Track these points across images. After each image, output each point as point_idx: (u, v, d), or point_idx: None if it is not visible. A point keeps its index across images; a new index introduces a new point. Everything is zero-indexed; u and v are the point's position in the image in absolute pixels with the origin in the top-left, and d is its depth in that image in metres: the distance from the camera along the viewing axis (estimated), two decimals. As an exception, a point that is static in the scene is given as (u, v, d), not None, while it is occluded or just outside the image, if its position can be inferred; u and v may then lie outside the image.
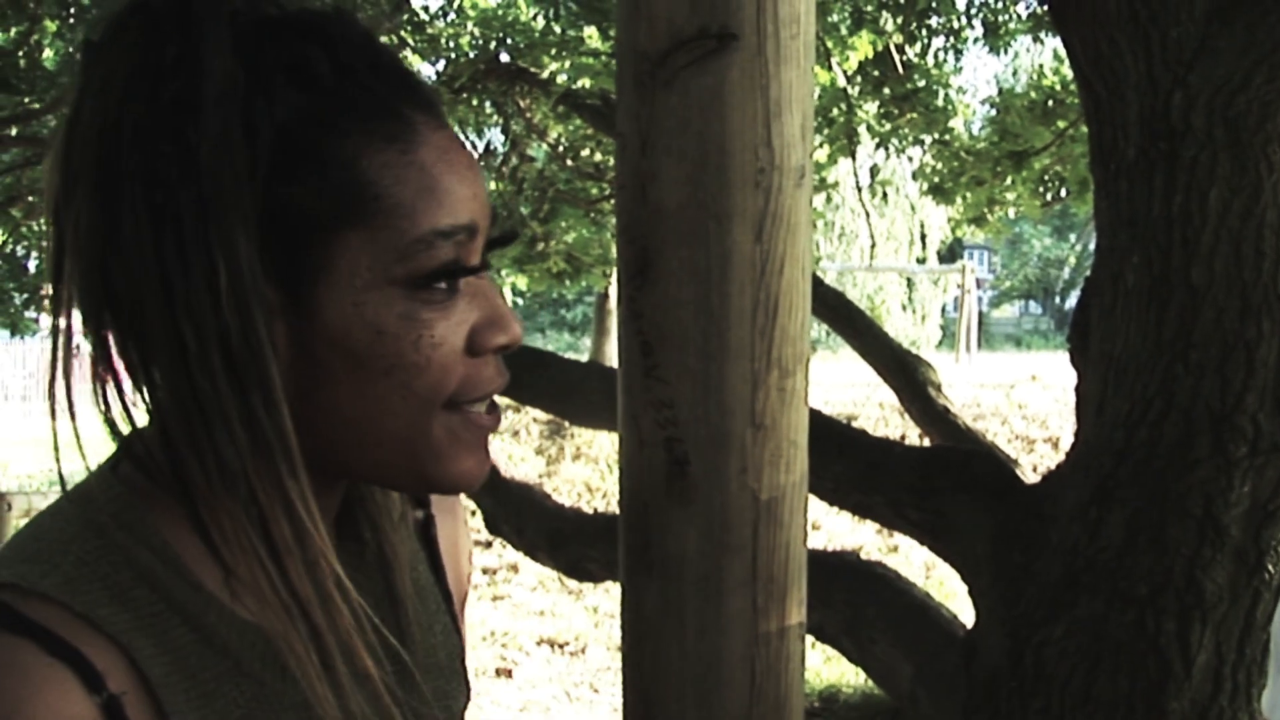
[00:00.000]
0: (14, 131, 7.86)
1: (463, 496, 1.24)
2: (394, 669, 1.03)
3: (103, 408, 0.89)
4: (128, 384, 0.90)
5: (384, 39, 8.01)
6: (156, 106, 0.84)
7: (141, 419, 0.92)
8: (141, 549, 0.89)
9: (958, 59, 8.99)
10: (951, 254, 38.29)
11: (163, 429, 0.88)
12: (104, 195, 0.85)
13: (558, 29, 8.11)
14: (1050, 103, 8.66)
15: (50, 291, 0.90)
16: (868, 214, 12.91)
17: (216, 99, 0.84)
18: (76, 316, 0.90)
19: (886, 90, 8.76)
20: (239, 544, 0.87)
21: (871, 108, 9.03)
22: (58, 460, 0.91)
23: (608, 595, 9.44)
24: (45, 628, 0.84)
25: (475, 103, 9.36)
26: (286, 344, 0.89)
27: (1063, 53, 3.73)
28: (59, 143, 0.88)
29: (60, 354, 0.90)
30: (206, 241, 0.84)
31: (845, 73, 8.30)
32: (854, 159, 9.32)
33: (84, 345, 0.90)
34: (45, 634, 0.83)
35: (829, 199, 22.63)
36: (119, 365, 0.89)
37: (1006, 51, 8.93)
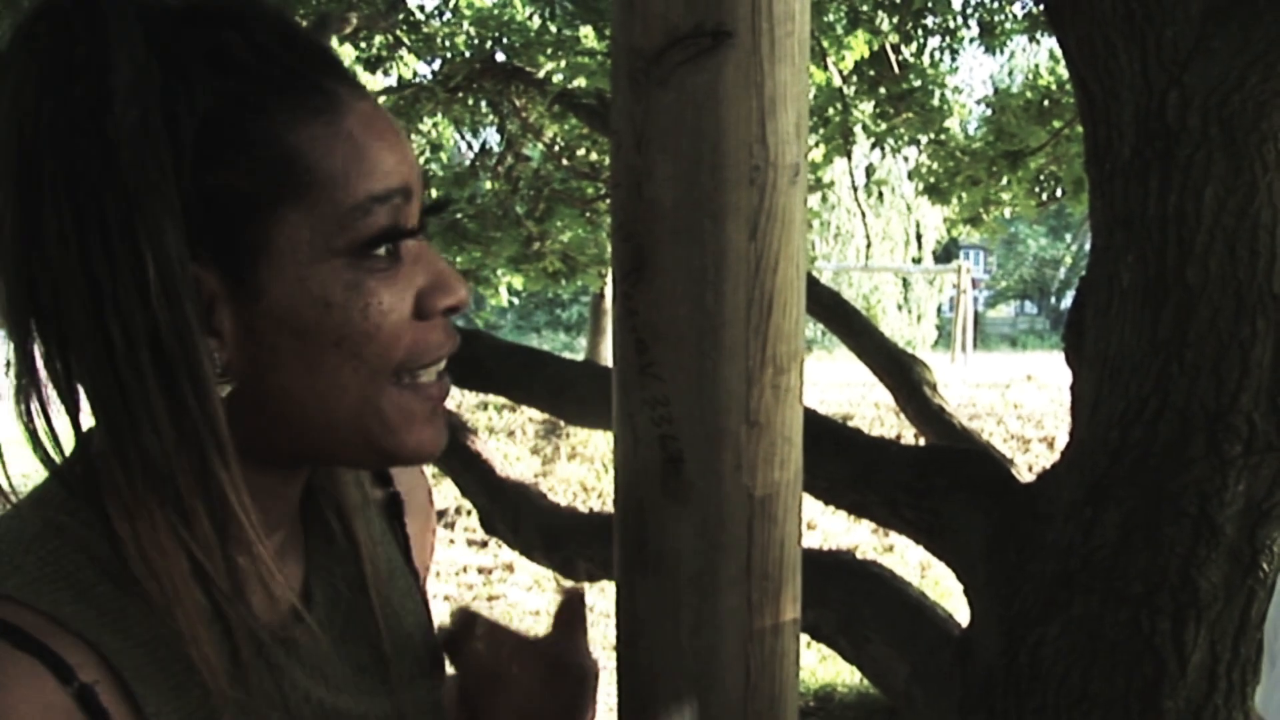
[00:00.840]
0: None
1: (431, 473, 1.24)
2: (367, 658, 1.04)
3: (25, 420, 0.89)
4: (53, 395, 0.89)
5: (379, 38, 8.03)
6: (71, 105, 0.84)
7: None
8: (103, 545, 0.88)
9: (953, 59, 9.00)
10: (947, 254, 38.32)
11: (82, 438, 0.89)
12: (24, 201, 0.85)
13: (553, 28, 8.12)
14: (1046, 102, 8.66)
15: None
16: (863, 214, 12.96)
17: (131, 92, 0.84)
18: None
19: (882, 90, 8.77)
20: (157, 547, 0.87)
21: (867, 107, 9.03)
22: (5, 473, 0.91)
23: (603, 595, 9.43)
24: (11, 624, 0.84)
25: (471, 102, 9.37)
26: (233, 328, 0.89)
27: (1058, 52, 3.74)
28: None
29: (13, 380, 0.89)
30: (133, 236, 0.83)
31: (841, 72, 8.30)
32: (849, 158, 9.33)
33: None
34: (12, 629, 0.83)
35: (825, 199, 22.65)
36: (43, 377, 0.88)
37: (1002, 51, 8.95)
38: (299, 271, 0.89)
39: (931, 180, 9.54)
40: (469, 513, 10.22)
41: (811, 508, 8.53)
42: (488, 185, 10.89)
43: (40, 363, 0.88)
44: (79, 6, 0.86)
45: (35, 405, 0.88)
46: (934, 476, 3.17)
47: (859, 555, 4.34)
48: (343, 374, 0.91)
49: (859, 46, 7.98)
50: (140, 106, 0.84)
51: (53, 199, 0.84)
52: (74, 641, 0.85)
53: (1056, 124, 8.44)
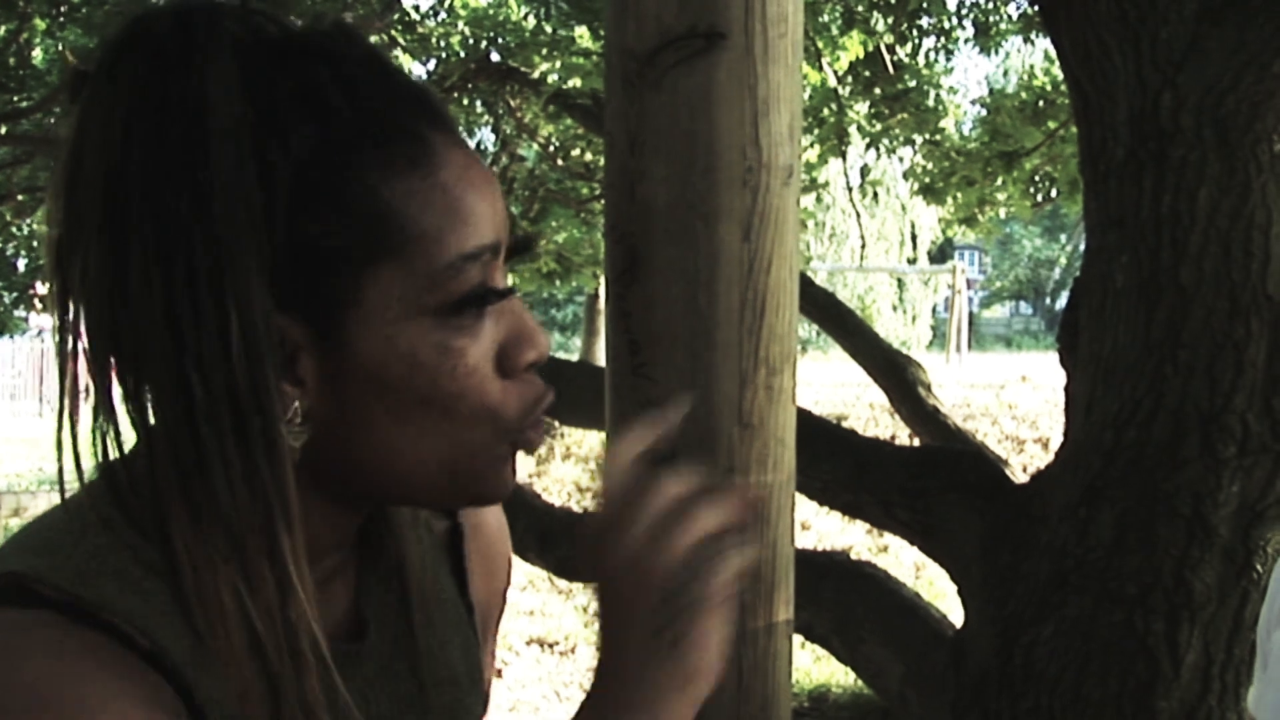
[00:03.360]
0: (3, 130, 7.84)
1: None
2: (409, 687, 1.02)
3: (100, 454, 0.87)
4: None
5: (374, 38, 8.02)
6: (163, 149, 0.81)
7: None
8: (151, 551, 0.86)
9: (948, 59, 9.00)
10: (942, 254, 38.34)
11: (154, 481, 0.85)
12: (111, 242, 0.82)
13: (548, 29, 8.12)
14: (1041, 103, 8.67)
15: (56, 328, 0.87)
16: (858, 214, 12.95)
17: (226, 137, 0.81)
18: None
19: (877, 90, 8.77)
20: (217, 603, 0.84)
21: (862, 108, 9.04)
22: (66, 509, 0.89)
23: (598, 595, 9.43)
24: (63, 600, 0.82)
25: (466, 102, 9.36)
26: (317, 379, 0.87)
27: (1053, 53, 3.74)
28: (60, 183, 0.85)
29: (69, 401, 0.86)
30: (219, 289, 0.81)
31: (836, 73, 8.31)
32: (844, 159, 9.33)
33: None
34: (64, 605, 0.82)
35: (819, 199, 22.64)
36: (120, 412, 0.86)
37: (997, 52, 8.95)
38: (387, 329, 0.87)
39: (926, 180, 9.54)
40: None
41: (806, 508, 8.54)
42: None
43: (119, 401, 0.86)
44: (171, 37, 0.83)
45: (112, 443, 0.87)
46: (928, 477, 3.17)
47: (853, 556, 4.34)
48: (432, 430, 0.90)
49: (854, 47, 7.98)
50: (235, 153, 0.81)
51: (139, 242, 0.81)
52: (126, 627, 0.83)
53: (1051, 124, 8.44)
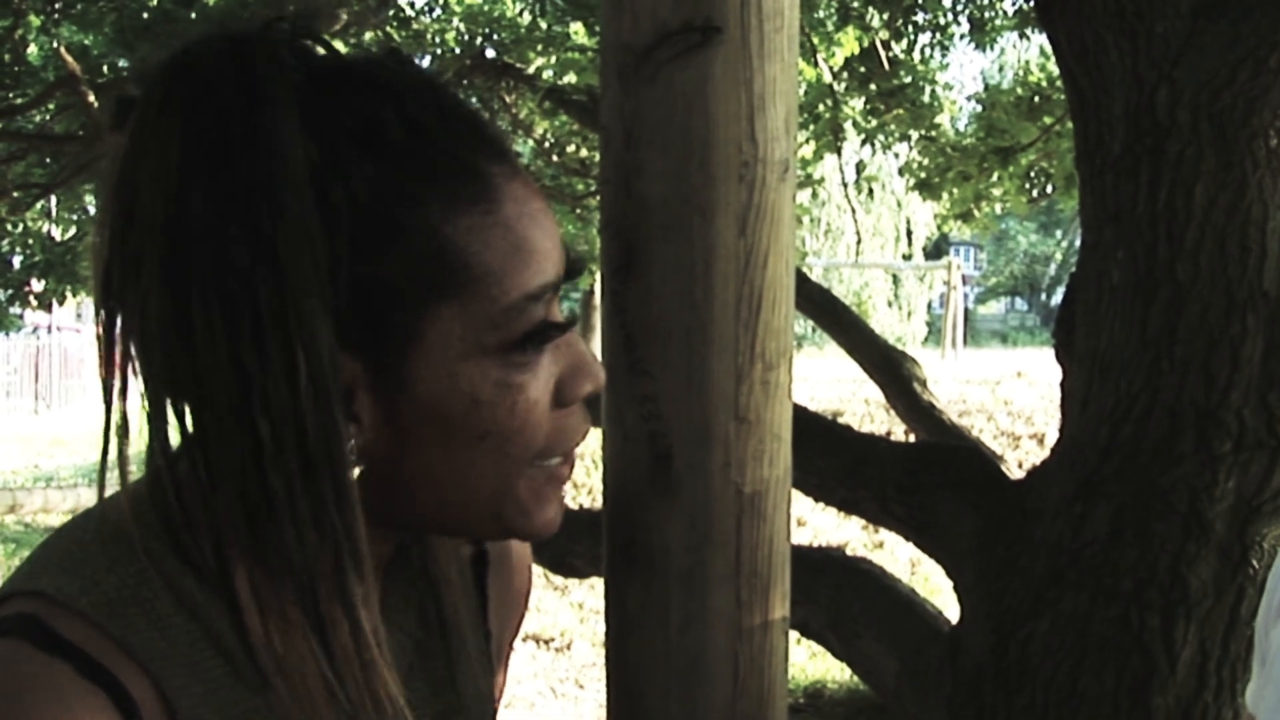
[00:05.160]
0: (-2, 126, 7.83)
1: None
2: (427, 714, 1.00)
3: (158, 500, 0.86)
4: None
5: (370, 35, 8.01)
6: (225, 193, 0.79)
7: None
8: (187, 577, 0.85)
9: (944, 55, 9.02)
10: (938, 250, 38.34)
11: (214, 523, 0.83)
12: (172, 287, 0.80)
13: (544, 24, 8.12)
14: (1036, 99, 8.68)
15: (103, 371, 0.85)
16: (854, 210, 12.94)
17: (289, 183, 0.80)
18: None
19: (873, 86, 8.78)
20: (294, 649, 0.83)
21: (857, 103, 9.05)
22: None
23: (593, 591, 9.43)
24: (80, 649, 0.81)
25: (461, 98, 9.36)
26: (372, 415, 0.86)
27: (1049, 49, 3.74)
28: (112, 216, 0.83)
29: (115, 438, 0.85)
30: (285, 332, 0.79)
31: (831, 69, 8.31)
32: (840, 155, 9.34)
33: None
34: (81, 655, 0.81)
35: (815, 195, 22.64)
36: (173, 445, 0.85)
37: (993, 48, 8.96)
38: (448, 367, 0.86)
39: (922, 176, 9.55)
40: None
41: (801, 504, 8.53)
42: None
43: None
44: (227, 70, 0.82)
45: (167, 479, 0.85)
46: (924, 473, 3.17)
47: (849, 552, 4.34)
48: (484, 463, 0.89)
49: (849, 43, 7.99)
50: (298, 196, 0.80)
51: (201, 287, 0.80)
52: (138, 673, 0.82)
53: (1047, 120, 8.45)
